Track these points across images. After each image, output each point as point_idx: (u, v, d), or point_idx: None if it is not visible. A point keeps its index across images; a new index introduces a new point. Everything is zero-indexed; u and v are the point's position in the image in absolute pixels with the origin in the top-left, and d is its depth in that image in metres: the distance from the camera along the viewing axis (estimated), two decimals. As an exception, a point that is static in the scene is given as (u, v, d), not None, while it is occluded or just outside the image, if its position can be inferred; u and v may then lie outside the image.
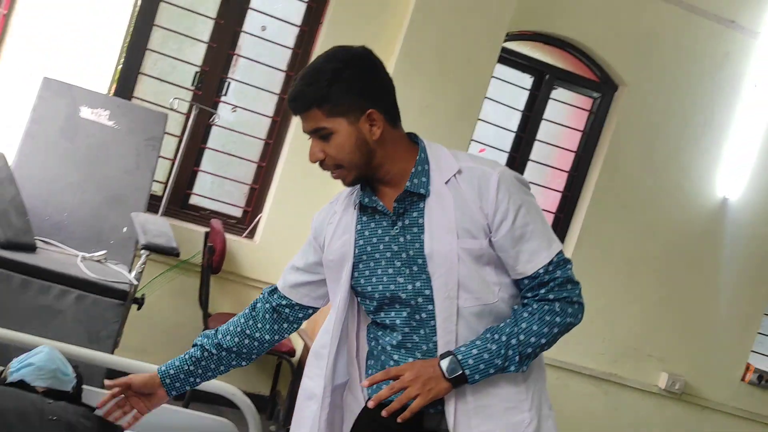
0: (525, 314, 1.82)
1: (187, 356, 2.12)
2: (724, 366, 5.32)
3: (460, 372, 1.77)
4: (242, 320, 2.12)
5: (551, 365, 4.90)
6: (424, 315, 1.85)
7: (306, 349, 4.41)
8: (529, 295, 1.85)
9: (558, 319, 1.82)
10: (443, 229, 1.82)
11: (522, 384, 1.87)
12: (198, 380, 2.14)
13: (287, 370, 4.55)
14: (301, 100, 1.82)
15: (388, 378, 1.81)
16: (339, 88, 1.81)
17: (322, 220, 2.04)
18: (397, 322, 1.88)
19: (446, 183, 1.86)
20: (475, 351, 1.78)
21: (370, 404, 1.84)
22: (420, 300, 1.85)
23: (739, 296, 5.28)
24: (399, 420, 1.78)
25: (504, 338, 1.79)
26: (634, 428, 5.25)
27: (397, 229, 1.87)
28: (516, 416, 1.84)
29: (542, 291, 1.83)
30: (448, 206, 1.83)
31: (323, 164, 1.87)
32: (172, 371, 2.11)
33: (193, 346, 2.14)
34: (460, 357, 1.77)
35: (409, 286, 1.86)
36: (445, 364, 1.77)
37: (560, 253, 1.86)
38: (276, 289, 2.13)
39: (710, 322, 5.26)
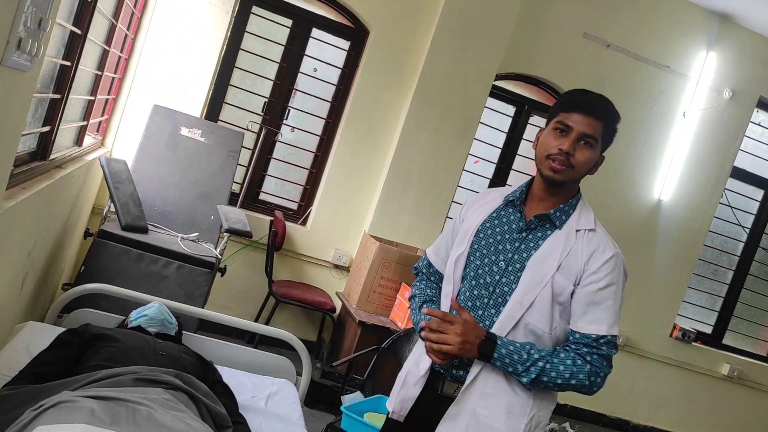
0: (562, 354, 1.68)
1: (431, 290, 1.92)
2: (656, 325, 5.29)
3: (491, 353, 1.66)
4: (428, 283, 1.97)
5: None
6: (491, 302, 1.73)
7: (344, 309, 4.46)
8: (573, 346, 1.70)
9: (581, 376, 1.67)
10: (552, 256, 1.69)
11: (529, 399, 1.72)
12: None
13: (329, 322, 4.59)
14: (604, 111, 1.72)
15: (445, 320, 1.67)
16: (614, 131, 1.76)
17: (473, 202, 1.91)
18: (466, 293, 1.77)
19: (577, 231, 1.73)
20: (510, 347, 1.66)
21: (422, 323, 1.73)
22: (497, 291, 1.72)
23: (668, 273, 5.26)
24: (428, 354, 1.71)
25: (535, 357, 1.66)
26: (588, 371, 5.26)
27: (521, 235, 1.75)
28: (513, 421, 1.71)
29: (585, 350, 1.69)
30: (567, 245, 1.70)
31: (564, 155, 1.70)
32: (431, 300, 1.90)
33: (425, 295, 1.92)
34: (498, 343, 1.66)
35: (497, 277, 1.73)
36: (486, 341, 1.66)
37: (615, 336, 1.71)
38: (431, 264, 1.97)
39: (647, 292, 5.24)
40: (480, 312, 1.75)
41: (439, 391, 1.78)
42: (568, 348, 1.71)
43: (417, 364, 1.83)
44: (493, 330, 1.71)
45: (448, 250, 1.91)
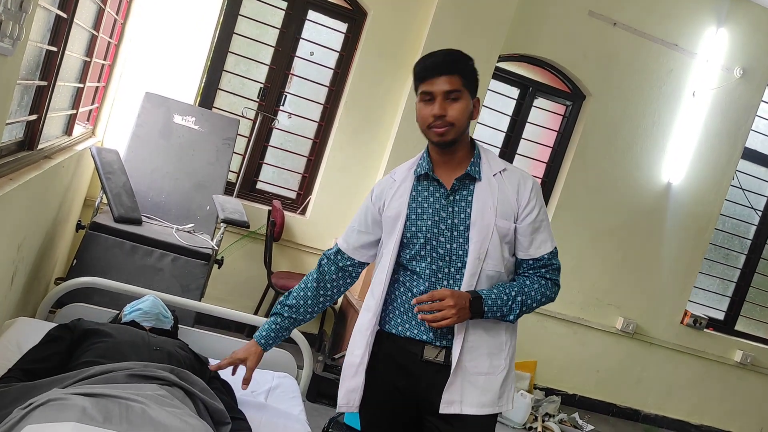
0: (528, 282, 1.88)
1: (273, 325, 2.04)
2: (667, 312, 5.27)
3: (482, 309, 1.79)
4: (313, 285, 2.03)
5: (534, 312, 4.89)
6: (452, 270, 1.85)
7: (345, 300, 4.44)
8: (530, 272, 1.90)
9: (548, 293, 1.90)
10: (487, 207, 1.85)
11: (504, 336, 1.90)
12: (285, 334, 2.08)
13: (331, 314, 4.58)
14: (452, 65, 1.84)
15: (432, 299, 1.78)
16: (474, 71, 1.88)
17: (384, 187, 1.99)
18: (427, 271, 1.86)
19: (494, 175, 1.89)
20: (493, 296, 1.81)
21: (417, 307, 1.80)
22: (453, 257, 1.85)
23: (678, 258, 5.23)
24: (431, 324, 1.78)
25: (513, 294, 1.84)
26: (597, 360, 5.25)
27: (450, 200, 1.87)
28: (495, 360, 1.88)
29: (542, 270, 1.90)
30: (494, 192, 1.86)
31: (440, 119, 1.82)
32: (264, 333, 2.05)
33: (273, 315, 2.05)
34: (484, 298, 1.80)
35: (447, 245, 1.85)
36: (474, 301, 1.79)
37: (556, 247, 1.93)
38: (339, 251, 2.05)
39: (656, 278, 5.22)
40: (445, 282, 1.86)
41: (420, 357, 1.88)
42: (528, 274, 1.91)
43: (351, 353, 1.95)
44: (462, 289, 1.84)
45: (360, 235, 2.02)
